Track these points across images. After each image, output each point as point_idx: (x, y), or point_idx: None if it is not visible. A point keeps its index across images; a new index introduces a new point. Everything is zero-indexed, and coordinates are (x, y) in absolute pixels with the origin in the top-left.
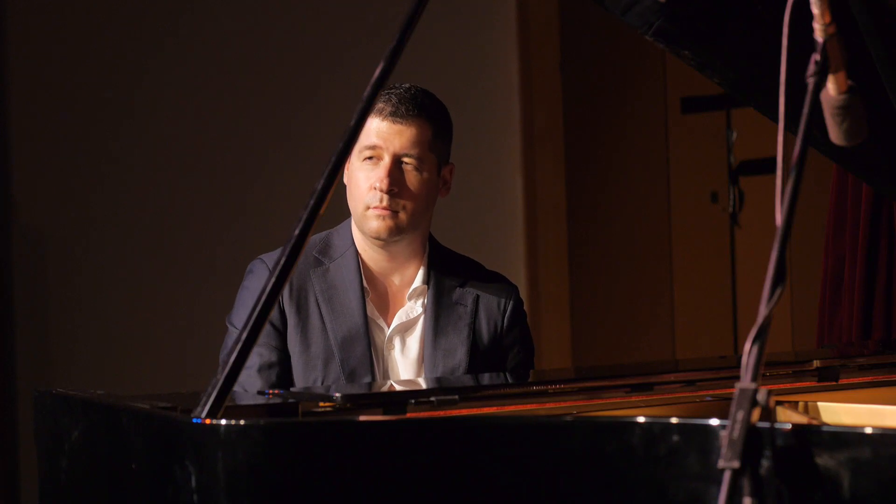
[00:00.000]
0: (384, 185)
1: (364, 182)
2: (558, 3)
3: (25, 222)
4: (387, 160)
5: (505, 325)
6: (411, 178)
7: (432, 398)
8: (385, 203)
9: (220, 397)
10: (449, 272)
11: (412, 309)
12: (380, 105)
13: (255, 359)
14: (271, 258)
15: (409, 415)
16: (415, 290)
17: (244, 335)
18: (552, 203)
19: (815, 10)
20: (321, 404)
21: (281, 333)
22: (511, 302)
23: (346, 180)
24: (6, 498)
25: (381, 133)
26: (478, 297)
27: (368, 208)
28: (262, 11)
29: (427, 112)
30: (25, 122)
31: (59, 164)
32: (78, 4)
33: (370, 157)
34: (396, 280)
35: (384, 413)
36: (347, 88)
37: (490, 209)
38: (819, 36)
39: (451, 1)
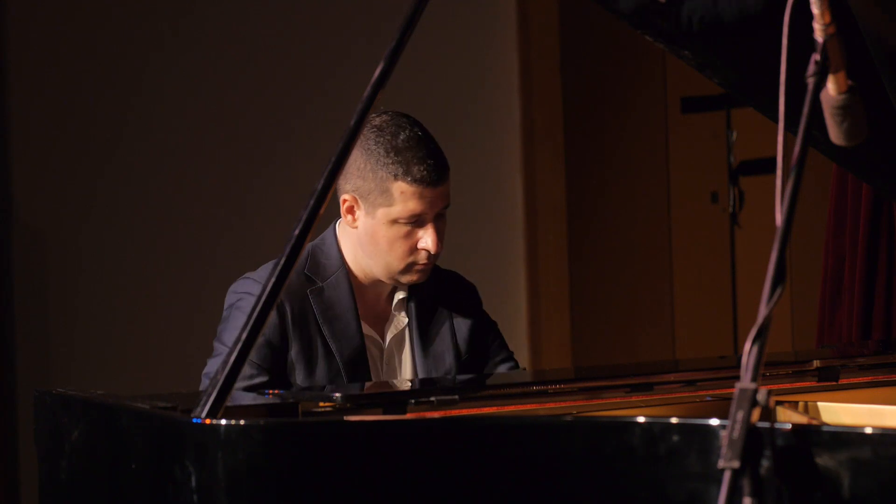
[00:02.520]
0: (438, 248)
1: (405, 243)
2: (558, 3)
3: (25, 222)
4: (432, 223)
5: (474, 321)
6: (443, 223)
7: (432, 398)
8: (433, 260)
9: (220, 397)
10: None
11: (400, 321)
12: (416, 173)
13: (245, 382)
14: (259, 276)
15: (409, 415)
16: (400, 301)
17: (244, 335)
18: (552, 203)
19: (815, 10)
20: (321, 404)
21: (280, 355)
22: (475, 299)
23: (354, 224)
24: (6, 498)
25: (425, 201)
26: (450, 297)
27: (413, 265)
28: (262, 12)
29: (444, 157)
30: (25, 122)
31: (59, 164)
32: (78, 5)
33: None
34: (384, 291)
35: (384, 413)
36: (347, 88)
37: (490, 209)
38: (819, 36)
39: (451, 1)
